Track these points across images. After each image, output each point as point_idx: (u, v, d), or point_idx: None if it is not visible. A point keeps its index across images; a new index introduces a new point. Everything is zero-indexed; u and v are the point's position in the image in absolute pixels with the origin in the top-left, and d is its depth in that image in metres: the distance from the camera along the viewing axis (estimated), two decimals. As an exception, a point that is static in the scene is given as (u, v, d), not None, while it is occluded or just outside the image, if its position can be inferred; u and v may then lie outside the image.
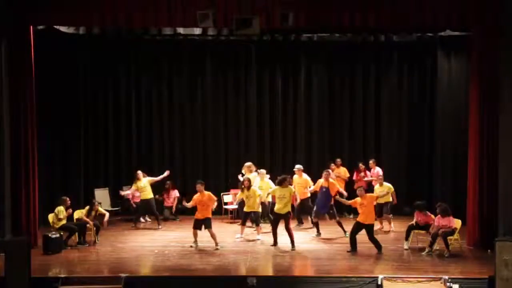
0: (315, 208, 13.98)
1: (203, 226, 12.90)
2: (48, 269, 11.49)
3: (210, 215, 13.01)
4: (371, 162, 15.83)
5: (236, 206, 15.48)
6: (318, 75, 16.80)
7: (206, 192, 13.07)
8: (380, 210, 14.20)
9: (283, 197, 12.80)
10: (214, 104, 16.76)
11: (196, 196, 13.02)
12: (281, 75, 16.78)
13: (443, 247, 12.36)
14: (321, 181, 13.91)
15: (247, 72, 16.74)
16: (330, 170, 14.70)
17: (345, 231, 13.67)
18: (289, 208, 12.87)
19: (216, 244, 12.85)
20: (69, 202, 13.20)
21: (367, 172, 15.87)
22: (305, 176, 14.65)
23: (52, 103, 15.13)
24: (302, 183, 14.47)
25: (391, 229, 14.41)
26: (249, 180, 13.84)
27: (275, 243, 13.04)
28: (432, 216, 12.77)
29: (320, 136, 16.87)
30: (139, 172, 15.05)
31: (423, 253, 12.43)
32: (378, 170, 15.63)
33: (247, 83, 16.78)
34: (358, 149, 16.87)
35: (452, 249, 12.37)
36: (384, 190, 14.12)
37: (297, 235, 14.16)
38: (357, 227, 12.56)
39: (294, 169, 14.64)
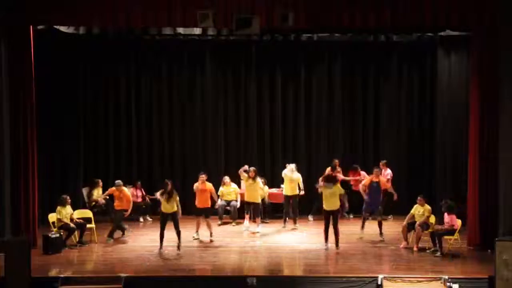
0: (364, 205, 13.86)
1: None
2: (48, 269, 11.48)
3: (209, 205, 13.73)
4: (381, 163, 15.65)
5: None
6: (318, 75, 16.79)
7: (208, 184, 13.76)
8: (412, 227, 12.86)
9: (332, 195, 12.74)
10: (214, 104, 16.75)
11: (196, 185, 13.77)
12: (281, 75, 16.76)
13: (444, 246, 12.35)
14: (370, 177, 13.98)
15: (247, 72, 16.73)
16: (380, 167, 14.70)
17: (381, 233, 13.59)
18: (337, 206, 12.83)
19: (211, 235, 13.55)
20: (69, 200, 13.21)
21: (362, 173, 15.75)
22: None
23: (52, 103, 15.14)
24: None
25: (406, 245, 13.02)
26: (255, 171, 14.22)
27: (326, 241, 12.87)
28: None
29: (320, 136, 16.84)
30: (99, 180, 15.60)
31: (427, 251, 12.43)
32: (388, 172, 15.59)
33: (247, 83, 16.76)
34: (358, 149, 16.86)
35: (452, 249, 12.37)
36: (421, 211, 12.78)
37: (297, 235, 14.24)
38: None
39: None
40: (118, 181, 14.05)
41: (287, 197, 14.83)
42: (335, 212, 12.82)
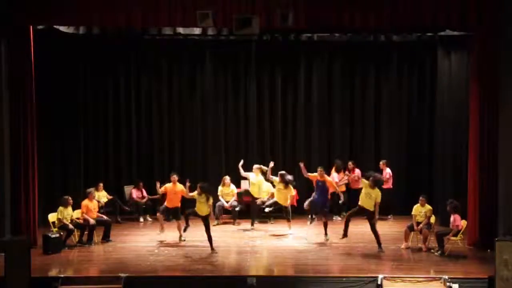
0: (312, 205, 13.75)
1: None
2: (48, 269, 11.49)
3: (179, 205, 13.74)
4: (381, 163, 15.71)
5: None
6: (318, 75, 16.79)
7: (179, 185, 13.71)
8: (412, 228, 12.90)
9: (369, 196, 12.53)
10: (214, 104, 16.75)
11: (168, 185, 13.79)
12: (281, 75, 16.76)
13: (445, 246, 12.35)
14: (315, 175, 13.72)
15: (247, 72, 16.73)
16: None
17: (326, 233, 13.49)
18: (371, 207, 12.52)
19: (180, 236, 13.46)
20: (71, 201, 13.22)
21: (356, 171, 15.72)
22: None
23: (52, 103, 15.15)
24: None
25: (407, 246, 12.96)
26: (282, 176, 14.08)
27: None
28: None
29: (320, 136, 16.84)
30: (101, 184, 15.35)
31: (435, 252, 12.40)
32: (388, 172, 15.60)
33: (247, 83, 16.77)
34: (358, 149, 16.86)
35: (452, 249, 12.36)
36: (422, 211, 12.86)
37: (297, 235, 14.23)
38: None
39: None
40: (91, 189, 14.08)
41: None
42: (368, 211, 12.53)
